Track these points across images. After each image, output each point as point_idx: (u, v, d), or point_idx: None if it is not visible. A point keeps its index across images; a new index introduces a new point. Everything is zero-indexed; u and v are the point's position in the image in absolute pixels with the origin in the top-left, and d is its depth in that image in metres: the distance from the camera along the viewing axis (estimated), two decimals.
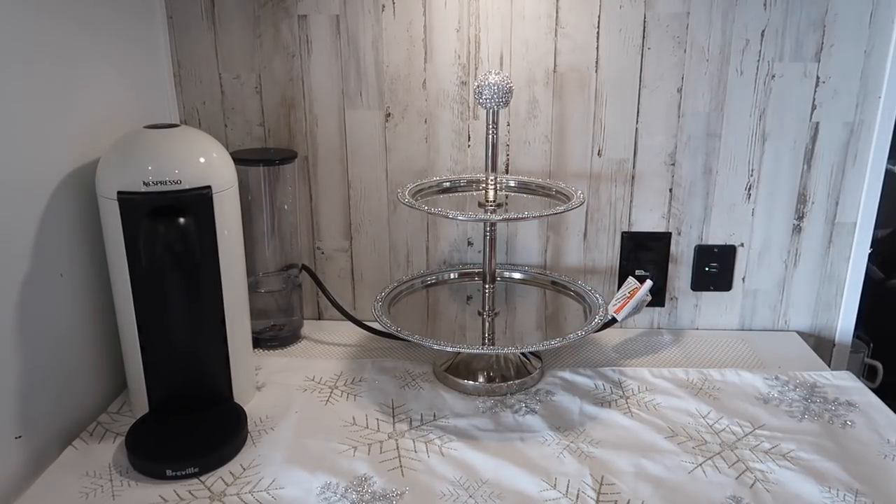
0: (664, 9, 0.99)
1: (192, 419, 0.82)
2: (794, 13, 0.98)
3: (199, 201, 0.78)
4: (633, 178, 1.06)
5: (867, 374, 1.16)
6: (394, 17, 1.01)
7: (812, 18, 0.98)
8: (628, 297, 0.97)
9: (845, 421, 0.86)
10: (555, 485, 0.75)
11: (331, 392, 0.93)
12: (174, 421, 0.82)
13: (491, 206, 0.95)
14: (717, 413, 0.88)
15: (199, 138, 0.83)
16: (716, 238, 1.08)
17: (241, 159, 0.96)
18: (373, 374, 0.97)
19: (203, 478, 0.75)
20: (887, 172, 1.03)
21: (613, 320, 0.97)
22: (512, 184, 1.03)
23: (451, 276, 1.10)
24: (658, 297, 1.11)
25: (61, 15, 0.79)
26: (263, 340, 1.05)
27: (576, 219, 1.09)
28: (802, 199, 1.06)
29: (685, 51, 1.00)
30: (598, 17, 1.00)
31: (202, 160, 0.80)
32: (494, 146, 0.92)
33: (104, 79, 0.88)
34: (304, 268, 1.08)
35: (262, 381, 0.95)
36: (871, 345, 1.18)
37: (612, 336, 1.09)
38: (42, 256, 0.77)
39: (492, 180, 0.94)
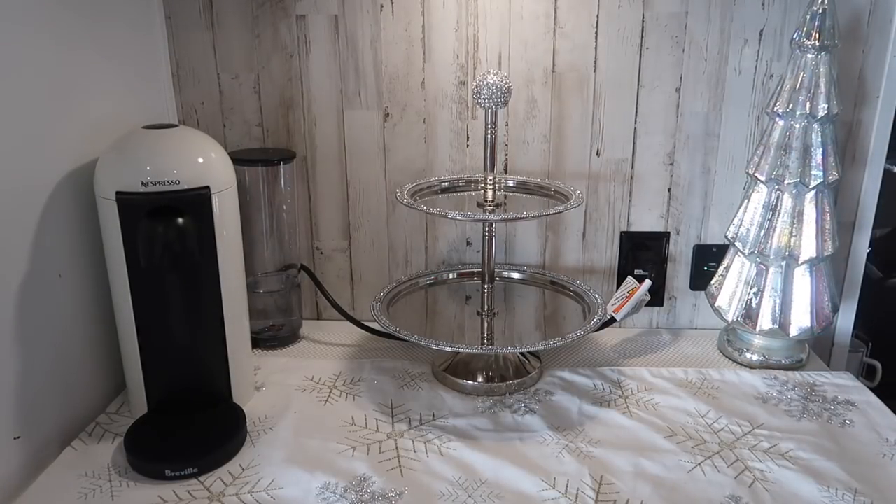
0: (663, 8, 0.99)
1: (191, 419, 0.82)
2: (792, 12, 0.98)
3: (197, 201, 0.78)
4: (631, 177, 1.06)
5: (866, 374, 1.16)
6: (392, 17, 1.01)
7: None
8: (627, 297, 0.97)
9: (844, 420, 0.86)
10: (554, 484, 0.75)
11: (330, 392, 0.92)
12: (173, 421, 0.82)
13: (490, 205, 0.95)
14: (715, 412, 0.88)
15: (197, 138, 0.83)
16: (714, 237, 1.09)
17: (240, 159, 0.96)
18: (372, 374, 0.97)
19: (202, 478, 0.75)
20: (886, 172, 1.03)
21: (612, 320, 0.97)
22: (511, 184, 1.03)
23: (450, 276, 1.10)
24: (657, 297, 1.11)
25: (59, 16, 0.79)
26: (262, 340, 1.05)
27: (574, 219, 1.09)
28: None
29: (683, 50, 1.00)
30: (597, 16, 1.00)
31: (201, 160, 0.80)
32: (493, 146, 0.92)
33: (102, 79, 0.88)
34: (303, 268, 1.08)
35: (260, 381, 0.95)
36: (870, 344, 1.18)
37: (610, 336, 1.09)
38: (40, 257, 0.77)
39: (490, 180, 0.94)
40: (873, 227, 1.06)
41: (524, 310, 1.05)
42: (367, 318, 1.04)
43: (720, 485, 0.75)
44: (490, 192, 0.95)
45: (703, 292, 1.08)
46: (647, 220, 1.08)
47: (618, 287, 1.05)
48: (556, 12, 1.00)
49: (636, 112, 1.03)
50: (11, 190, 0.72)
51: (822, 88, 0.89)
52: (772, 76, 1.01)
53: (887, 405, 0.90)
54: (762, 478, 0.76)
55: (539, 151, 1.06)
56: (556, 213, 1.05)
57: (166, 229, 0.76)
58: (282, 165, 1.01)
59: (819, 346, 1.10)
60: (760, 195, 0.95)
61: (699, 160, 1.05)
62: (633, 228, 1.09)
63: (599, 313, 0.95)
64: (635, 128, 1.04)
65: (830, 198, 0.94)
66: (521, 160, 1.06)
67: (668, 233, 1.09)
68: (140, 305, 0.80)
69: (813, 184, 0.91)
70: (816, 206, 0.92)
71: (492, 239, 0.97)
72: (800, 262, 0.93)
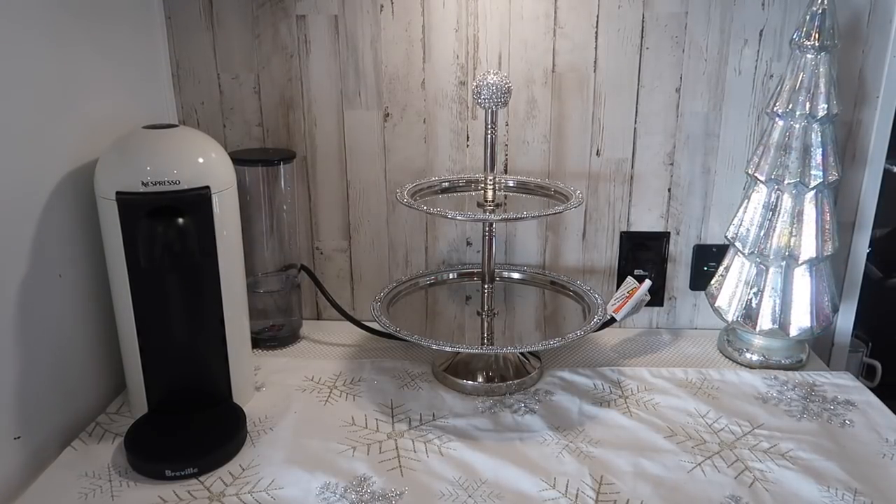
0: (662, 8, 0.99)
1: (191, 419, 0.82)
2: (792, 12, 0.98)
3: (197, 201, 0.78)
4: (631, 177, 1.06)
5: (866, 374, 1.16)
6: (392, 18, 1.01)
7: None
8: (627, 297, 0.97)
9: (844, 420, 0.86)
10: (554, 484, 0.75)
11: (330, 392, 0.93)
12: (173, 421, 0.82)
13: (490, 206, 0.95)
14: (716, 412, 0.88)
15: (197, 138, 0.83)
16: (714, 237, 1.09)
17: (240, 159, 0.96)
18: (372, 374, 0.97)
19: (202, 478, 0.75)
20: (886, 172, 1.03)
21: (612, 320, 0.97)
22: (511, 184, 1.03)
23: (450, 276, 1.10)
24: (657, 297, 1.11)
25: (59, 16, 0.79)
26: (262, 340, 1.05)
27: (574, 219, 1.09)
28: None
29: (683, 50, 1.00)
30: (597, 17, 1.00)
31: (201, 160, 0.80)
32: (493, 146, 0.92)
33: (103, 79, 0.88)
34: (303, 268, 1.08)
35: (261, 381, 0.95)
36: (870, 344, 1.18)
37: (610, 336, 1.09)
38: (41, 257, 0.77)
39: (490, 180, 0.94)
40: (873, 227, 1.06)
41: (524, 310, 1.05)
42: (367, 318, 1.04)
43: (720, 485, 0.75)
44: (490, 192, 0.95)
45: (703, 292, 1.08)
46: (647, 220, 1.08)
47: (618, 287, 1.05)
48: (556, 12, 1.00)
49: (636, 112, 1.03)
50: (11, 190, 0.72)
51: (822, 88, 0.89)
52: (771, 76, 1.01)
53: (887, 405, 0.90)
54: (762, 478, 0.76)
55: (539, 151, 1.06)
56: (556, 213, 1.05)
57: (166, 229, 0.76)
58: (282, 165, 1.01)
59: (819, 346, 1.10)
60: (760, 195, 0.95)
61: (699, 160, 1.05)
62: (633, 228, 1.09)
63: (599, 313, 0.95)
64: (635, 128, 1.04)
65: (830, 198, 0.94)
66: (521, 160, 1.06)
67: (668, 233, 1.09)
68: (140, 305, 0.80)
69: (813, 184, 0.91)
70: (816, 206, 0.92)
71: (492, 239, 0.97)
72: (800, 263, 0.93)
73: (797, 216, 0.93)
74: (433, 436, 0.83)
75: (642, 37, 1.00)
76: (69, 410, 0.83)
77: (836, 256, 0.97)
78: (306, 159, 1.08)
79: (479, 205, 0.96)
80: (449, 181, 1.03)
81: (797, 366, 1.00)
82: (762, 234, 0.95)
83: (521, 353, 0.98)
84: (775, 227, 0.94)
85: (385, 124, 1.06)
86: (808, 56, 0.89)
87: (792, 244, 0.93)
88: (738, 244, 0.98)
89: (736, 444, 0.82)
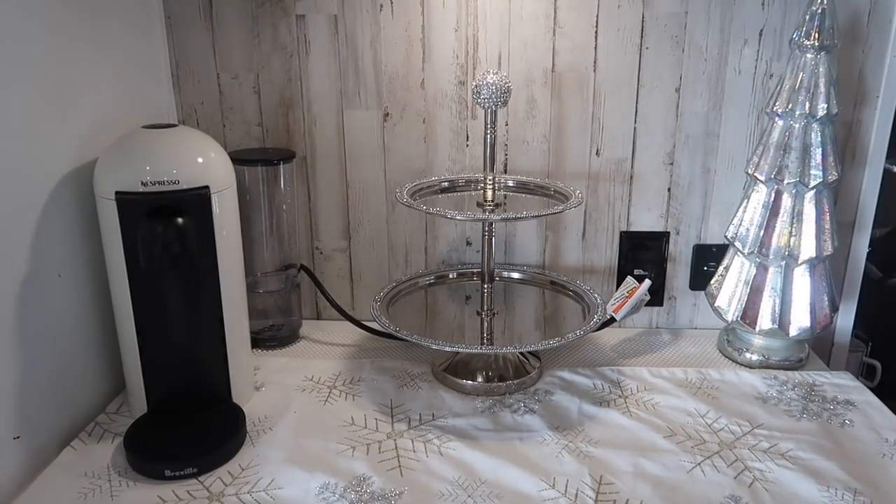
0: (662, 8, 0.99)
1: (191, 419, 0.82)
2: (792, 12, 0.98)
3: (197, 201, 0.78)
4: (631, 177, 1.06)
5: (866, 374, 1.16)
6: (392, 17, 1.01)
7: None
8: (627, 297, 0.97)
9: (844, 420, 0.86)
10: (553, 484, 0.75)
11: (329, 392, 0.93)
12: (173, 421, 0.82)
13: (489, 205, 0.95)
14: (715, 412, 0.88)
15: (197, 138, 0.83)
16: (714, 237, 1.09)
17: (240, 159, 0.96)
18: (371, 374, 0.97)
19: (202, 478, 0.75)
20: (886, 172, 1.03)
21: (612, 320, 0.97)
22: (510, 183, 1.03)
23: (450, 275, 1.10)
24: (656, 297, 1.11)
25: (59, 16, 0.79)
26: (262, 340, 1.05)
27: (574, 218, 1.09)
28: None
29: (683, 50, 1.00)
30: (597, 16, 1.00)
31: (200, 160, 0.80)
32: (493, 146, 0.92)
33: (102, 79, 0.88)
34: (303, 268, 1.08)
35: (260, 381, 0.95)
36: (870, 344, 1.18)
37: (610, 336, 1.09)
38: (40, 257, 0.77)
39: (490, 180, 0.94)
40: (873, 227, 1.06)
41: (524, 310, 1.05)
42: (367, 317, 1.04)
43: (720, 485, 0.75)
44: (490, 192, 0.95)
45: (702, 292, 1.08)
46: (646, 220, 1.08)
47: (617, 287, 1.05)
48: (555, 12, 1.00)
49: (636, 112, 1.03)
50: (11, 190, 0.72)
51: (822, 88, 0.89)
52: (771, 76, 1.01)
53: (887, 405, 0.90)
54: (762, 478, 0.76)
55: (539, 151, 1.06)
56: (555, 213, 1.05)
57: (166, 229, 0.76)
58: (282, 165, 1.01)
59: (819, 345, 1.10)
60: (760, 195, 0.95)
61: (699, 160, 1.05)
62: (633, 228, 1.09)
63: (599, 313, 0.95)
64: (635, 128, 1.04)
65: (830, 197, 0.94)
66: (520, 160, 1.06)
67: (668, 233, 1.09)
68: (140, 305, 0.80)
69: (812, 183, 0.91)
70: (816, 206, 0.92)
71: (491, 239, 0.97)
72: (799, 262, 0.93)
73: (797, 216, 0.93)
74: (433, 436, 0.83)
75: (642, 36, 1.00)
76: (69, 410, 0.83)
77: (836, 256, 0.97)
78: (306, 159, 1.08)
79: (478, 205, 0.96)
80: (449, 181, 1.03)
81: (797, 366, 1.00)
82: (762, 233, 0.95)
83: (521, 353, 0.98)
84: (775, 226, 0.94)
85: (385, 124, 1.06)
86: (808, 56, 0.89)
87: (791, 244, 0.93)
88: (737, 244, 0.98)
89: (735, 443, 0.82)
